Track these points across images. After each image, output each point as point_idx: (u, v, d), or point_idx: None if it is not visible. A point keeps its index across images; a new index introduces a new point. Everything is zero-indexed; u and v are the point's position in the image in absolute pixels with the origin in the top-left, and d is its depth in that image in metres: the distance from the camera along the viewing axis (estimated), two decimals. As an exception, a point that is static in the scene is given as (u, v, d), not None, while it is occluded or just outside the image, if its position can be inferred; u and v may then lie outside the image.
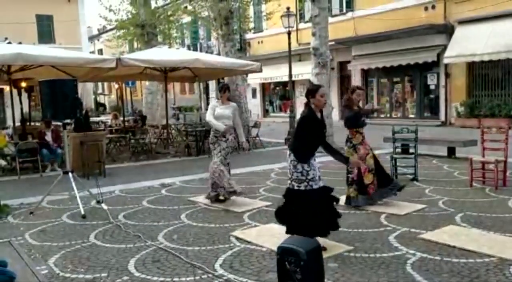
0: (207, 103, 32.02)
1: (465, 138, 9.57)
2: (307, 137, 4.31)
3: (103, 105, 37.66)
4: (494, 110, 15.90)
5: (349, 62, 20.99)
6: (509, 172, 7.16)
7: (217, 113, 6.45)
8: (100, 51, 39.30)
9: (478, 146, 7.78)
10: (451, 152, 9.77)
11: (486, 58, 15.46)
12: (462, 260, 3.98)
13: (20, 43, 11.16)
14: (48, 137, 10.27)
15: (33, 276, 3.29)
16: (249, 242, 4.68)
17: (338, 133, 11.95)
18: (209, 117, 6.50)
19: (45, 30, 28.88)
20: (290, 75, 15.75)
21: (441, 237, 4.56)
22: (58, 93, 6.12)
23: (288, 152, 4.43)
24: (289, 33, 15.35)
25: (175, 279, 3.84)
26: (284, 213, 4.45)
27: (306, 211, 4.25)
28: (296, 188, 4.33)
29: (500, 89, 16.39)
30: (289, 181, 4.42)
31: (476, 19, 16.04)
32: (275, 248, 3.46)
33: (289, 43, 15.38)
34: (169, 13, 20.01)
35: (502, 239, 4.49)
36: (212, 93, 31.13)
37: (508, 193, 6.40)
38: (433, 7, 17.52)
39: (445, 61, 16.71)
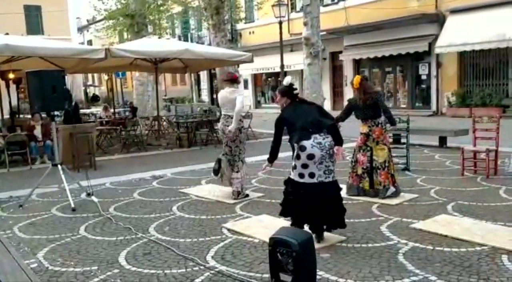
0: (199, 95, 31.83)
1: (457, 128, 9.60)
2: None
3: (97, 97, 36.75)
4: (485, 99, 15.96)
5: (341, 52, 20.93)
6: (500, 161, 7.19)
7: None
8: (90, 42, 38.77)
9: (469, 135, 7.80)
10: (443, 141, 9.80)
11: (477, 47, 15.49)
12: (454, 249, 3.98)
13: (7, 34, 10.97)
14: (38, 131, 10.15)
15: (21, 270, 3.23)
16: (241, 234, 4.65)
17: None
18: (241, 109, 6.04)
19: (34, 21, 28.51)
20: (282, 66, 15.68)
21: (433, 227, 4.56)
22: (45, 84, 6.01)
23: None
24: (280, 23, 15.25)
25: (166, 271, 3.80)
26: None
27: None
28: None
29: (491, 79, 16.46)
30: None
31: (467, 8, 16.05)
32: (267, 239, 3.43)
33: (281, 33, 15.30)
34: (159, 3, 19.80)
35: (494, 228, 4.50)
36: (204, 84, 30.93)
37: (499, 181, 6.42)
38: (425, -4, 17.50)
39: (437, 51, 16.71)
